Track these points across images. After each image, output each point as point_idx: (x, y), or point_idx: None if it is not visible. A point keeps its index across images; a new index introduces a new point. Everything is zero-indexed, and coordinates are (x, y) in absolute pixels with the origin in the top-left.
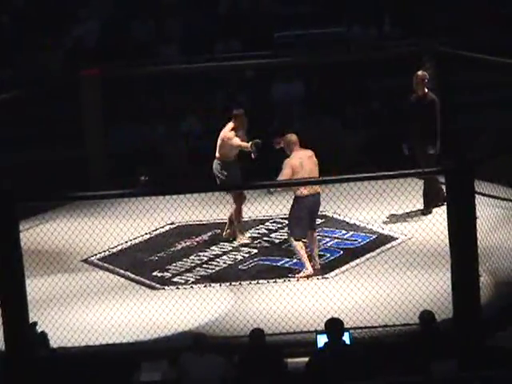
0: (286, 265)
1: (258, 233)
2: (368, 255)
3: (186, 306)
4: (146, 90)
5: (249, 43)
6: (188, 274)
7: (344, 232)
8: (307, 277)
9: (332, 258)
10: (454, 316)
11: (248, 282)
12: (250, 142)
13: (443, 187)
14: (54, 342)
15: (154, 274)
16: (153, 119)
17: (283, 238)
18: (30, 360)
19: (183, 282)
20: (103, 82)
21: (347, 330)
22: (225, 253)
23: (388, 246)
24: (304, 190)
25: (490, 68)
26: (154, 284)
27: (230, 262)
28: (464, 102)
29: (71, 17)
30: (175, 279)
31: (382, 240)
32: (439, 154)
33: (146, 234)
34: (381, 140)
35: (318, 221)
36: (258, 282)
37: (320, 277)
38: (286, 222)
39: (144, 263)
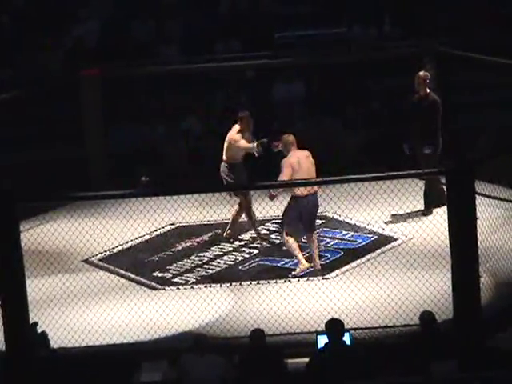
0: (287, 265)
1: (259, 233)
2: (368, 256)
3: (186, 306)
4: (146, 90)
5: (249, 43)
6: (188, 275)
7: (344, 233)
8: (303, 270)
9: (332, 258)
10: (454, 317)
11: (248, 283)
12: (256, 143)
13: (444, 188)
14: (55, 342)
15: (155, 274)
16: (153, 119)
17: None
18: (30, 360)
19: (184, 282)
20: (103, 82)
21: (347, 330)
22: (225, 253)
23: (388, 246)
24: (304, 190)
25: (490, 68)
26: (154, 284)
27: (230, 263)
28: (464, 102)
29: (71, 17)
30: (176, 279)
31: (383, 241)
32: (440, 154)
33: (147, 234)
34: (381, 140)
35: (319, 221)
36: (258, 283)
37: (320, 277)
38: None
39: (144, 263)
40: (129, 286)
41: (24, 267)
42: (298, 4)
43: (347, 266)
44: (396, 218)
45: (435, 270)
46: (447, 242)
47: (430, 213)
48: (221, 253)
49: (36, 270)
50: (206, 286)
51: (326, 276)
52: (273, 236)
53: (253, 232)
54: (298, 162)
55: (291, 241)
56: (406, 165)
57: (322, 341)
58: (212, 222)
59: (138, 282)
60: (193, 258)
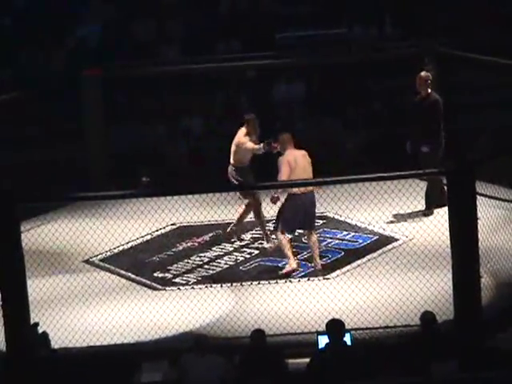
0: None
1: (260, 233)
2: (369, 256)
3: (187, 306)
4: (146, 90)
5: (249, 43)
6: (189, 275)
7: (345, 233)
8: (290, 271)
9: (333, 258)
10: (454, 317)
11: (249, 283)
12: (263, 143)
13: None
14: (55, 342)
15: (156, 274)
16: (153, 119)
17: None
18: (31, 360)
19: (184, 282)
20: (104, 82)
21: (348, 330)
22: (226, 254)
23: (389, 246)
24: (301, 188)
25: (490, 69)
26: (155, 285)
27: (231, 263)
28: (464, 103)
29: (73, 18)
30: (176, 280)
31: (383, 241)
32: (442, 154)
33: (148, 234)
34: (381, 140)
35: (319, 222)
36: (259, 283)
37: (321, 277)
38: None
39: (145, 264)
40: (129, 286)
41: (25, 267)
42: (298, 4)
43: (348, 267)
44: (397, 219)
45: (436, 271)
46: (448, 242)
47: (431, 213)
48: (221, 253)
49: (37, 271)
50: (206, 287)
51: (327, 276)
52: (273, 236)
53: (257, 232)
54: (295, 159)
55: (285, 239)
56: (408, 165)
57: (323, 341)
58: (213, 223)
59: (138, 283)
60: (193, 258)
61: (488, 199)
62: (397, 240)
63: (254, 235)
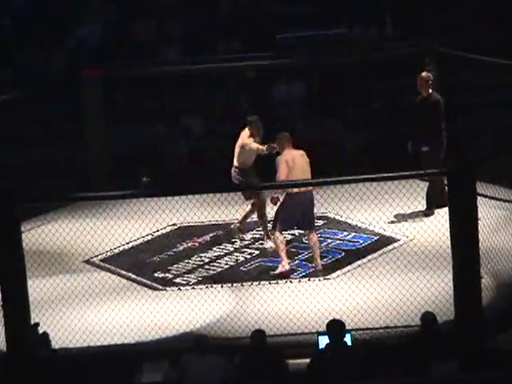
0: (287, 266)
1: (261, 234)
2: (370, 256)
3: (187, 306)
4: (146, 91)
5: (249, 43)
6: (190, 275)
7: (346, 233)
8: (283, 273)
9: (334, 259)
10: (455, 317)
11: (249, 283)
12: (266, 145)
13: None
14: (56, 342)
15: (156, 274)
16: (153, 119)
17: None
18: (31, 361)
19: (185, 282)
20: (104, 82)
21: (349, 331)
22: (226, 254)
23: (390, 247)
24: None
25: (490, 69)
26: (155, 285)
27: (231, 263)
28: (464, 103)
29: (73, 18)
30: (177, 280)
31: (384, 241)
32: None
33: (148, 234)
34: (382, 141)
35: (320, 222)
36: (259, 283)
37: (322, 278)
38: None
39: (146, 264)
40: (130, 286)
41: (25, 268)
42: (298, 4)
43: (348, 267)
44: (397, 219)
45: (436, 271)
46: (448, 242)
47: (432, 213)
48: (222, 253)
49: (37, 271)
50: (207, 287)
51: (328, 276)
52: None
53: (258, 232)
54: (293, 159)
55: (281, 239)
56: (408, 165)
57: (323, 341)
58: (213, 223)
59: (139, 283)
60: (194, 258)
61: (488, 199)
62: (397, 240)
63: (255, 235)
